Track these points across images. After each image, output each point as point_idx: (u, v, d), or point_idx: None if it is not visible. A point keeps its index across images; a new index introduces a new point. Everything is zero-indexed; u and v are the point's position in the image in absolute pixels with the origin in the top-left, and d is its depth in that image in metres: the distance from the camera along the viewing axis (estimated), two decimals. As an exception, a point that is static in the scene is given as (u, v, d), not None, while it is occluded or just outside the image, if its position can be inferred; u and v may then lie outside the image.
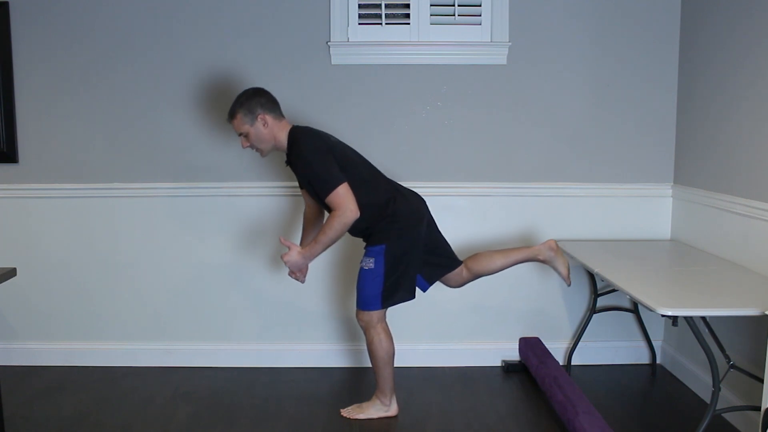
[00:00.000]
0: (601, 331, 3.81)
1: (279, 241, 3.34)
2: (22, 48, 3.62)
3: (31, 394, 3.46)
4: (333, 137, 3.12)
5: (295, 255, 3.05)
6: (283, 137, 3.05)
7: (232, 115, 3.05)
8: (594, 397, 3.28)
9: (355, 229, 3.06)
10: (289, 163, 3.09)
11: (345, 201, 2.91)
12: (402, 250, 3.04)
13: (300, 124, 3.14)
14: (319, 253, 3.03)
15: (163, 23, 3.62)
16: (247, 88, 3.14)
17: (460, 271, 3.31)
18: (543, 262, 3.29)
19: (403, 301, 3.12)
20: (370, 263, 3.03)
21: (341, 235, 2.97)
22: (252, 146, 3.10)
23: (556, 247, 3.28)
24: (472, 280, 3.36)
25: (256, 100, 3.02)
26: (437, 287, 3.51)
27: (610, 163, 3.75)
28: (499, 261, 3.28)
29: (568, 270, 3.30)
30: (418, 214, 3.11)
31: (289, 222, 3.71)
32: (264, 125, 3.02)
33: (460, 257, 3.35)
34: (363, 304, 3.08)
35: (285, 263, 3.08)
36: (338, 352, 3.82)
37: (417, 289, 3.21)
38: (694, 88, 3.55)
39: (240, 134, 3.08)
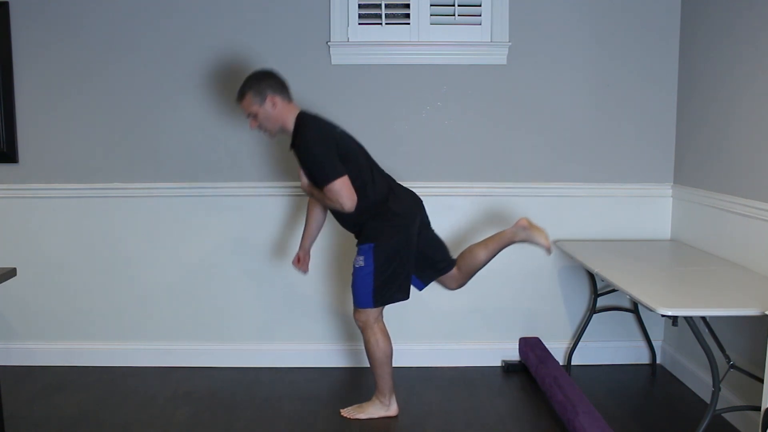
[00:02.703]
0: (601, 331, 3.81)
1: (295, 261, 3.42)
2: (22, 48, 3.63)
3: (31, 394, 3.45)
4: (339, 128, 3.11)
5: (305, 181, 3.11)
6: (290, 121, 3.05)
7: (241, 96, 3.04)
8: (594, 397, 3.28)
9: (348, 222, 3.09)
10: (293, 146, 3.08)
11: (340, 195, 2.94)
12: (392, 249, 3.05)
13: (308, 111, 3.12)
14: (312, 193, 3.11)
15: (163, 23, 3.63)
16: (256, 69, 3.11)
17: (454, 272, 3.32)
18: (522, 242, 3.25)
19: (398, 301, 3.13)
20: (360, 261, 3.05)
21: (328, 207, 3.10)
22: (260, 127, 3.09)
23: (528, 223, 3.22)
24: (468, 279, 3.34)
25: (266, 81, 3.02)
26: (435, 287, 3.51)
27: (610, 163, 3.75)
28: (481, 254, 3.26)
29: (547, 239, 3.22)
30: (410, 213, 3.11)
31: (289, 222, 3.71)
32: (273, 106, 3.02)
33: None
34: (357, 302, 3.10)
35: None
36: (338, 352, 3.82)
37: (412, 288, 3.21)
38: (694, 88, 3.55)
39: (248, 115, 3.07)
